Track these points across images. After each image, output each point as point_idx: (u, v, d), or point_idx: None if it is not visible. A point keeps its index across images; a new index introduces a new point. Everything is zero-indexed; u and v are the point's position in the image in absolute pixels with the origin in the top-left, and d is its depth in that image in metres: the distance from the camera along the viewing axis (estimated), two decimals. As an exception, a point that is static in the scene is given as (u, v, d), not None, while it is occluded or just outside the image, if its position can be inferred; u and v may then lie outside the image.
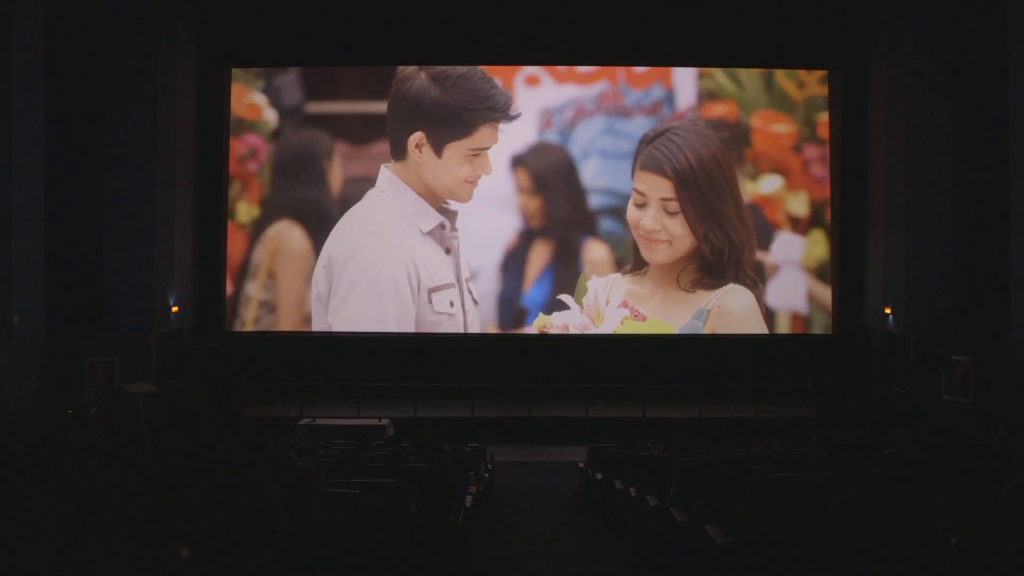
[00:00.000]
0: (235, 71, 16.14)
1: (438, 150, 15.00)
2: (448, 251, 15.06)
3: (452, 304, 15.02)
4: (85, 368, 13.08)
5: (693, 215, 15.03)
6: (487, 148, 15.10)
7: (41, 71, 12.28)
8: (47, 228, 12.49)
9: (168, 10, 14.45)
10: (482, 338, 15.48)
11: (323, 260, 15.29)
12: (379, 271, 15.01)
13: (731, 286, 15.27)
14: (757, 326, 15.46)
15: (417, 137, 15.06)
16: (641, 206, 15.05)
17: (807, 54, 15.98)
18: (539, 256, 15.73)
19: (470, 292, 15.31)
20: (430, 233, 15.00)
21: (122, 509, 2.90)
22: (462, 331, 15.26)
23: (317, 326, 15.34)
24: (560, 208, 15.77)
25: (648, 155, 15.23)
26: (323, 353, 15.51)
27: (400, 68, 15.64)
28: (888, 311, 14.62)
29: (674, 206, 14.99)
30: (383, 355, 15.39)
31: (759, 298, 15.43)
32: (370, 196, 15.36)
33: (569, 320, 15.43)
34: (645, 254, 15.13)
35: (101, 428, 10.38)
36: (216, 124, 15.98)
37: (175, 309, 14.59)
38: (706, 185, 15.17)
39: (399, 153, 15.28)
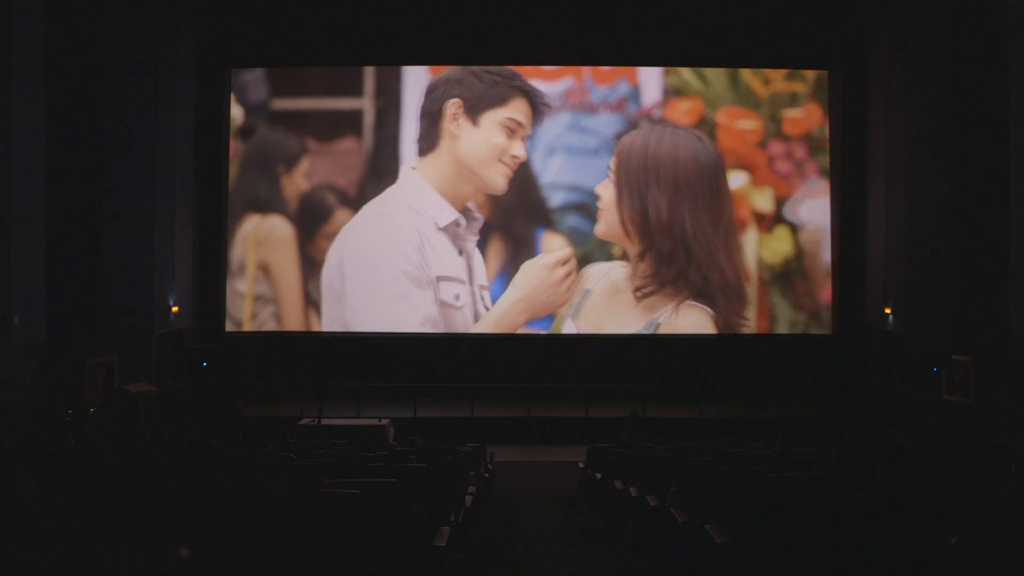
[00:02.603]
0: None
1: (475, 119, 15.13)
2: (461, 252, 15.11)
3: (458, 298, 15.06)
4: (85, 368, 13.08)
5: (621, 192, 15.08)
6: (522, 123, 15.15)
7: (41, 71, 12.29)
8: (47, 228, 12.50)
9: (168, 10, 14.46)
10: (482, 338, 15.47)
11: (336, 256, 15.38)
12: (388, 253, 15.15)
13: (688, 302, 15.19)
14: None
15: (454, 104, 15.16)
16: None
17: (807, 54, 15.98)
18: (496, 251, 15.70)
19: (482, 298, 15.32)
20: (444, 229, 15.07)
21: (122, 509, 2.90)
22: (469, 331, 15.29)
23: (328, 318, 15.40)
24: (511, 200, 15.68)
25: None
26: (323, 353, 15.51)
27: (430, 81, 15.66)
28: (888, 311, 14.62)
29: (612, 176, 15.17)
30: (383, 355, 15.39)
31: (717, 317, 15.24)
32: (389, 191, 15.48)
33: None
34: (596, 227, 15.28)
35: (101, 428, 10.38)
36: (216, 124, 15.98)
37: (175, 309, 14.60)
38: (644, 170, 15.14)
39: (427, 147, 15.30)
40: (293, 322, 15.68)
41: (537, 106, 15.38)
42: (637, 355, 15.46)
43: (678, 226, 15.19)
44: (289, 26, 15.83)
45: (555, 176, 15.81)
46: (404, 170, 15.45)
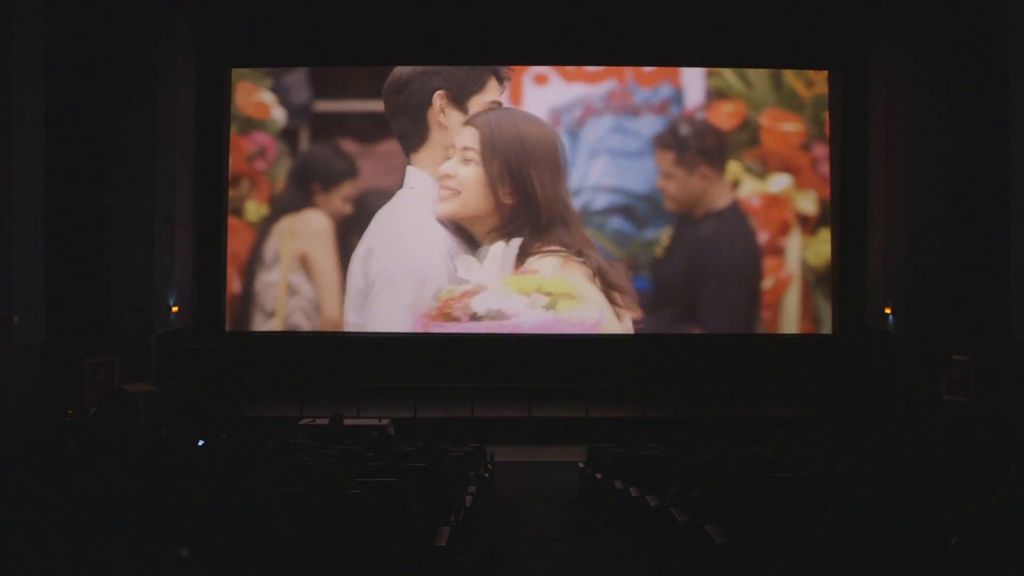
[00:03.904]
0: (242, 70, 16.11)
1: (462, 107, 15.30)
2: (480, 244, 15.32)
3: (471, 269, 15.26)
4: (85, 368, 13.08)
5: (491, 167, 15.19)
6: (501, 103, 15.41)
7: (41, 72, 12.29)
8: (47, 228, 12.51)
9: (168, 10, 14.45)
10: (482, 338, 15.47)
11: (361, 252, 15.46)
12: (411, 267, 15.32)
13: (562, 252, 15.27)
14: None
15: (440, 96, 15.30)
16: (450, 157, 15.36)
17: (808, 54, 15.97)
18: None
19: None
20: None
21: (122, 509, 2.90)
22: (470, 331, 15.30)
23: (352, 319, 15.45)
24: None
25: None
26: (323, 353, 15.51)
27: (395, 72, 15.67)
28: (888, 311, 14.62)
29: (472, 155, 15.19)
30: (383, 355, 15.39)
31: (594, 269, 15.27)
32: (399, 196, 15.47)
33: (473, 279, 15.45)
34: (438, 207, 15.26)
35: (101, 428, 10.38)
36: (217, 123, 15.97)
37: (175, 309, 14.60)
38: (518, 144, 15.31)
39: (416, 143, 15.37)
40: (331, 311, 15.64)
41: (501, 79, 15.56)
42: (637, 355, 15.45)
43: (551, 195, 15.37)
44: (291, 25, 15.80)
45: (598, 179, 15.78)
46: (409, 171, 15.43)
